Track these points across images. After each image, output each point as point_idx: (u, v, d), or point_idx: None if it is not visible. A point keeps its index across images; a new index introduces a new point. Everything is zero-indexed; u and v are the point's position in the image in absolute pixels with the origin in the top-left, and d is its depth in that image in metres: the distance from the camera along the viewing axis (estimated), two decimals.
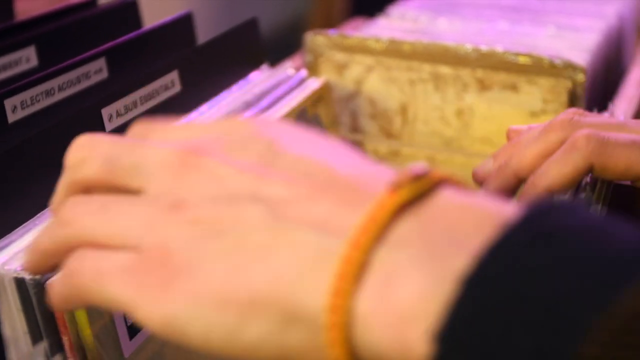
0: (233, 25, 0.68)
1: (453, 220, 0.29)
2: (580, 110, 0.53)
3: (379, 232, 0.29)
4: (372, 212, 0.29)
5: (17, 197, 0.46)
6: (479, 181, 0.55)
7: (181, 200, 0.33)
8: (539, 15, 0.89)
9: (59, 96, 0.57)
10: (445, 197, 0.30)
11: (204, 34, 0.72)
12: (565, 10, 0.92)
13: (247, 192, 0.32)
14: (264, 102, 0.64)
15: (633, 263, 0.26)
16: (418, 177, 0.30)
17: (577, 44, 0.79)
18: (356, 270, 0.29)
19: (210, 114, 0.61)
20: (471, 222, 0.29)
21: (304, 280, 0.29)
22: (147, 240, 0.32)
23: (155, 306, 0.31)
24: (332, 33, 0.76)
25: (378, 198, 0.30)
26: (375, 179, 0.31)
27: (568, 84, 0.69)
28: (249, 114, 0.62)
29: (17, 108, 0.54)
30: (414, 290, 0.28)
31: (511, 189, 0.52)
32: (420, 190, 0.30)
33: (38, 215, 0.46)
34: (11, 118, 0.53)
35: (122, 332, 0.43)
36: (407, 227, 0.29)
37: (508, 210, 0.29)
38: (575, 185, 0.50)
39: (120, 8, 0.72)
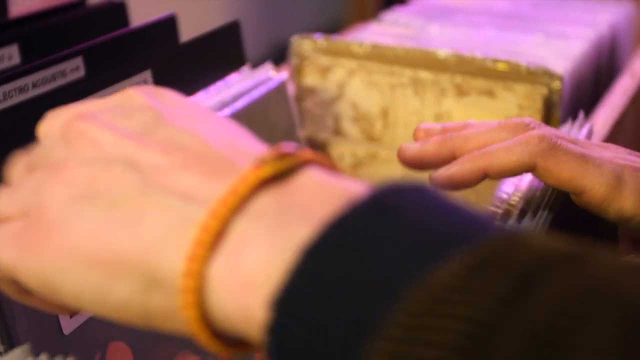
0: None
1: (309, 196, 0.31)
2: (538, 122, 0.54)
3: (238, 203, 0.31)
4: (234, 185, 0.31)
5: None
6: (419, 137, 0.55)
7: (60, 163, 0.34)
8: (530, 23, 0.90)
9: (32, 93, 0.58)
10: (308, 175, 0.32)
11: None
12: (557, 18, 0.92)
13: (124, 158, 0.33)
14: (240, 103, 0.65)
15: (453, 242, 0.27)
16: (284, 155, 0.32)
17: (563, 52, 0.80)
18: (212, 239, 0.30)
19: None
20: (325, 197, 0.30)
21: (166, 245, 0.31)
22: (31, 203, 0.34)
23: (32, 264, 0.33)
24: (318, 37, 0.77)
25: (242, 172, 0.31)
26: (245, 155, 0.33)
27: (544, 91, 0.69)
28: (224, 114, 0.63)
29: None
30: (258, 258, 0.29)
31: (441, 160, 0.52)
32: (284, 167, 0.31)
33: None
34: None
35: None
36: (265, 200, 0.31)
37: (361, 189, 0.30)
38: (511, 176, 0.51)
39: (107, 9, 0.73)
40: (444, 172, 0.50)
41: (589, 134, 0.63)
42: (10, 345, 0.42)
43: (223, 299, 0.30)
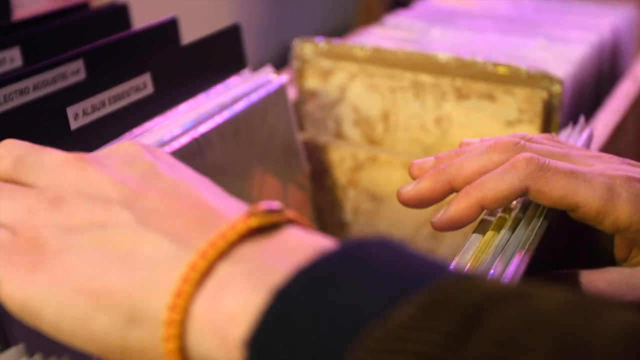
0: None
1: (287, 247, 0.34)
2: (528, 135, 0.54)
3: (226, 247, 0.34)
4: (224, 231, 0.34)
5: None
6: (414, 174, 0.56)
7: (61, 196, 0.37)
8: (532, 27, 0.90)
9: (33, 95, 0.59)
10: (289, 231, 0.35)
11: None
12: (560, 22, 0.92)
13: (123, 199, 0.36)
14: (240, 106, 0.66)
15: (410, 286, 0.30)
16: (270, 211, 0.35)
17: (563, 56, 0.80)
18: (199, 277, 0.33)
19: (185, 115, 0.62)
20: (300, 248, 0.33)
21: (154, 281, 0.34)
22: (24, 223, 0.36)
23: (18, 285, 0.35)
24: (319, 40, 0.78)
25: (232, 221, 0.34)
26: (233, 209, 0.37)
27: (544, 95, 0.70)
28: (223, 117, 0.64)
29: None
30: (237, 299, 0.32)
31: (439, 194, 0.53)
32: (270, 221, 0.35)
33: None
34: None
35: None
36: (249, 247, 0.34)
37: (333, 244, 0.33)
38: (508, 203, 0.51)
39: (109, 11, 0.74)
40: (442, 216, 0.51)
41: (589, 139, 0.63)
42: (6, 345, 0.42)
43: (205, 335, 0.32)
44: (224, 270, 0.33)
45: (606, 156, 0.53)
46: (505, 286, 0.30)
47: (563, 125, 0.71)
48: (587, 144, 0.63)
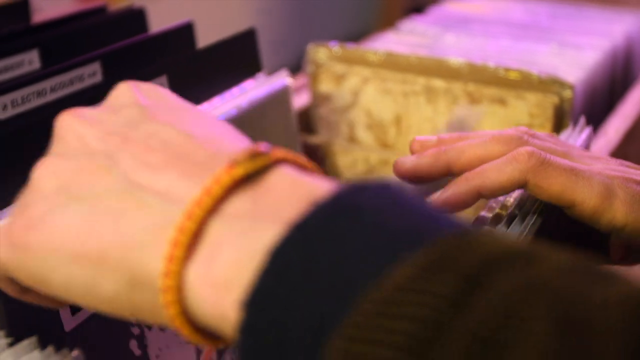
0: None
1: (279, 197, 0.32)
2: (532, 131, 0.54)
3: (213, 204, 0.32)
4: (208, 186, 0.32)
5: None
6: (414, 149, 0.55)
7: (50, 156, 0.37)
8: (545, 33, 0.90)
9: (50, 97, 0.60)
10: (279, 175, 0.33)
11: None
12: (573, 28, 0.93)
13: (106, 153, 0.35)
14: (241, 107, 0.66)
15: (408, 243, 0.29)
16: (256, 155, 0.33)
17: (576, 62, 0.81)
18: (188, 240, 0.31)
19: None
20: (293, 198, 0.32)
21: (146, 245, 0.32)
22: (23, 193, 0.36)
23: (21, 260, 0.35)
24: (333, 45, 0.79)
25: (216, 173, 0.33)
26: (224, 154, 0.34)
27: (555, 100, 0.70)
28: (238, 119, 0.65)
29: (8, 106, 0.57)
30: (231, 260, 0.31)
31: (436, 173, 0.53)
32: (257, 167, 0.33)
33: None
34: (1, 115, 0.56)
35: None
36: (239, 201, 0.32)
37: (327, 189, 0.32)
38: (506, 194, 0.52)
39: (127, 15, 0.75)
40: (440, 197, 0.51)
41: (588, 139, 0.64)
42: (18, 338, 0.43)
43: (201, 299, 0.31)
44: (214, 230, 0.32)
45: (604, 157, 0.54)
46: (508, 245, 0.29)
47: None
48: (586, 144, 0.64)
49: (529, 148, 0.50)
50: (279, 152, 0.34)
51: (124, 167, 0.34)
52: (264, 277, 0.29)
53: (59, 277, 0.34)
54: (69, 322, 0.46)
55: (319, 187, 0.32)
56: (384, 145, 0.78)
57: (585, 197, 0.49)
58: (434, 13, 1.00)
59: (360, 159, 0.77)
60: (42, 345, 0.42)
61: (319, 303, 0.28)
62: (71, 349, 0.43)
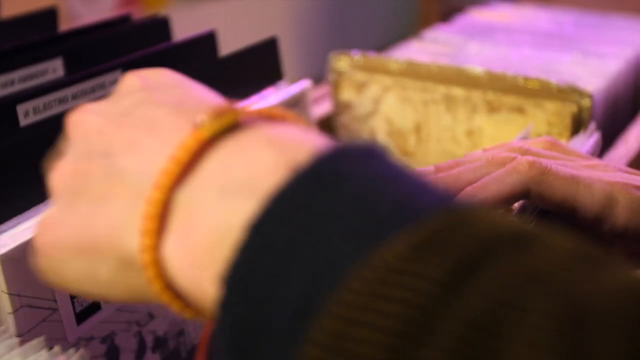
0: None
1: (256, 160, 0.30)
2: (526, 147, 0.55)
3: (180, 172, 0.31)
4: (174, 153, 0.31)
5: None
6: None
7: (60, 159, 0.37)
8: (569, 42, 0.90)
9: (72, 104, 0.61)
10: (254, 134, 0.31)
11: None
12: (597, 37, 0.93)
13: (103, 147, 0.35)
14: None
15: (398, 219, 0.27)
16: (221, 113, 0.31)
17: (597, 71, 0.81)
18: (158, 211, 0.31)
19: None
20: (270, 163, 0.30)
21: (126, 224, 0.32)
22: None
23: (43, 264, 0.36)
24: (355, 54, 0.79)
25: (181, 138, 0.31)
26: (193, 118, 0.33)
27: (573, 108, 0.70)
28: None
29: (30, 113, 0.58)
30: (206, 233, 0.30)
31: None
32: (223, 125, 0.31)
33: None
34: (23, 122, 0.57)
35: (68, 316, 0.46)
36: (208, 167, 0.31)
37: (307, 149, 0.30)
38: (509, 204, 0.52)
39: (151, 24, 0.76)
40: None
41: (596, 144, 0.64)
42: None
43: (180, 274, 0.31)
44: (185, 200, 0.30)
45: (602, 164, 0.54)
46: (506, 227, 0.27)
47: None
48: (594, 150, 0.64)
49: (529, 158, 0.50)
50: (247, 109, 0.32)
51: (113, 156, 0.34)
52: (243, 253, 0.28)
53: (70, 272, 0.35)
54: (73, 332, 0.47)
55: (298, 148, 0.30)
56: (404, 152, 0.79)
57: (586, 204, 0.49)
58: (459, 22, 1.01)
59: None
60: (50, 345, 0.43)
61: (303, 281, 0.26)
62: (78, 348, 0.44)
